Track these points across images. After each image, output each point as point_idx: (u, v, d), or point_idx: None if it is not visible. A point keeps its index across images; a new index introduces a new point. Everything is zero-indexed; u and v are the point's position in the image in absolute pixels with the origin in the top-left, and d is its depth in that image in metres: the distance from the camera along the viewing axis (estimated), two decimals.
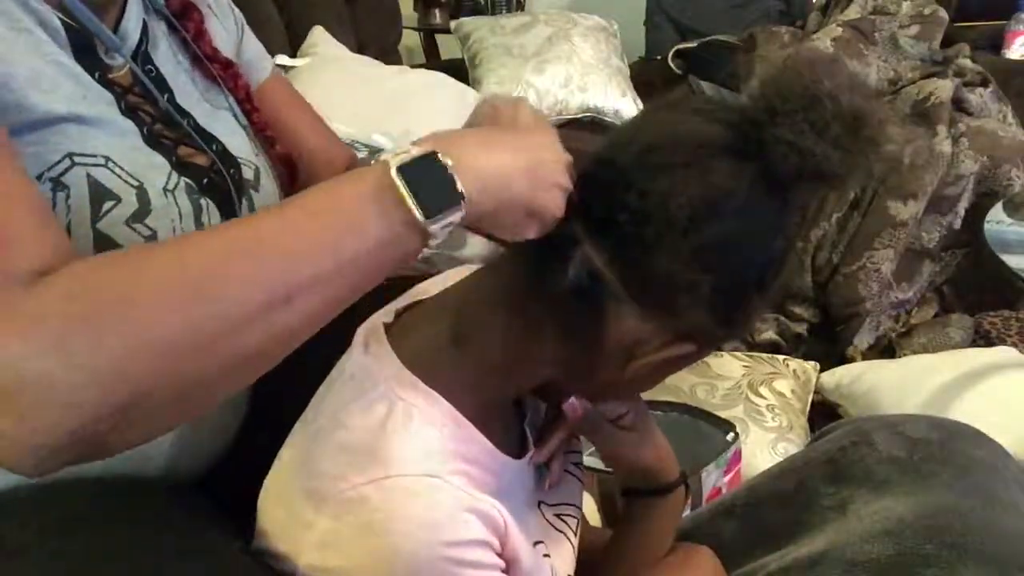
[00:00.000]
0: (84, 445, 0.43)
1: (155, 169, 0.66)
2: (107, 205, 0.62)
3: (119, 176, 0.63)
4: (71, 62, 0.64)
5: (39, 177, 0.59)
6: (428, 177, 0.48)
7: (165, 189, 0.66)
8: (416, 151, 0.49)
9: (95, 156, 0.62)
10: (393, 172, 0.48)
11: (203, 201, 0.69)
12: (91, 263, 0.45)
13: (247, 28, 0.88)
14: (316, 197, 0.48)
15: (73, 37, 0.65)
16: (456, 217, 0.49)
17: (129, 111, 0.67)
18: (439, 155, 0.49)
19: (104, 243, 0.61)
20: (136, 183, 0.64)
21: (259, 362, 0.47)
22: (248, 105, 0.81)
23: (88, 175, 0.61)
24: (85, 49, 0.66)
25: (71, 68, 0.63)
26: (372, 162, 0.50)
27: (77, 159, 0.61)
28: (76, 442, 0.42)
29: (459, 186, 0.49)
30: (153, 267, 0.44)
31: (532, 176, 0.53)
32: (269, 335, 0.46)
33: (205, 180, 0.70)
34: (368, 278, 0.49)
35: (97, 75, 0.66)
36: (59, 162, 0.60)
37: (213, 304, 0.44)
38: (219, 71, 0.78)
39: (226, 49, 0.82)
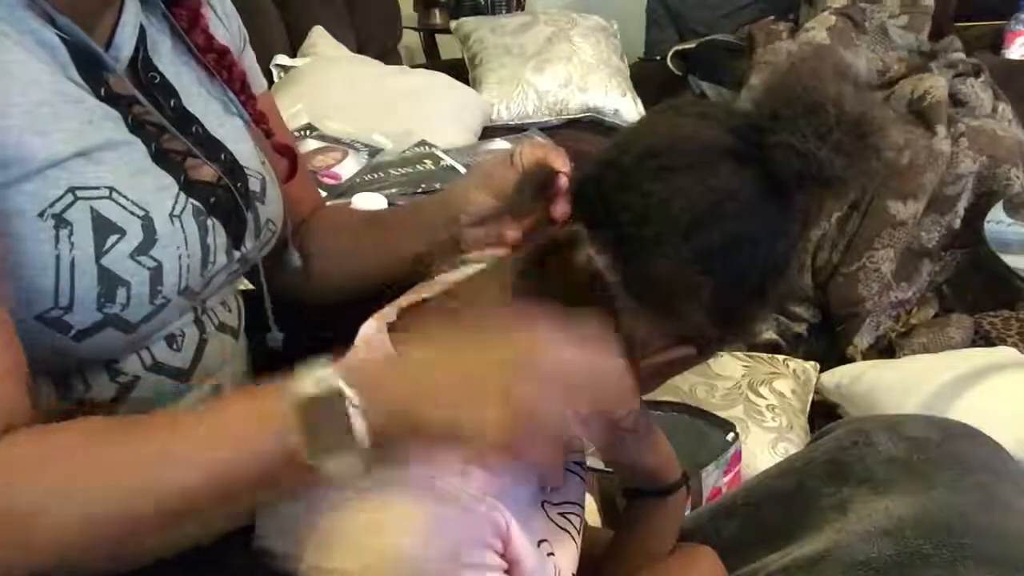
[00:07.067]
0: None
1: (162, 192, 0.64)
2: (111, 240, 0.60)
3: (123, 207, 0.61)
4: (72, 84, 0.61)
5: (41, 214, 0.57)
6: (326, 419, 0.49)
7: (171, 215, 0.64)
8: (325, 385, 0.50)
9: (98, 188, 0.60)
10: (293, 412, 0.49)
11: (209, 222, 0.67)
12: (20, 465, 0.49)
13: (248, 43, 0.85)
14: (222, 432, 0.52)
15: (74, 52, 0.62)
16: (351, 458, 0.50)
17: (136, 126, 0.65)
18: (345, 393, 0.49)
19: (108, 277, 0.59)
20: (141, 212, 0.62)
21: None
22: (243, 96, 0.78)
23: (91, 209, 0.59)
24: (88, 64, 0.63)
25: (72, 93, 0.61)
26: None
27: (79, 193, 0.58)
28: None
29: (356, 429, 0.49)
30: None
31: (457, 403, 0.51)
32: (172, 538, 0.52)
33: (212, 199, 0.69)
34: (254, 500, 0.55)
35: (102, 91, 0.64)
36: (61, 198, 0.57)
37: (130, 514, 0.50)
38: (214, 60, 0.75)
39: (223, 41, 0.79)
